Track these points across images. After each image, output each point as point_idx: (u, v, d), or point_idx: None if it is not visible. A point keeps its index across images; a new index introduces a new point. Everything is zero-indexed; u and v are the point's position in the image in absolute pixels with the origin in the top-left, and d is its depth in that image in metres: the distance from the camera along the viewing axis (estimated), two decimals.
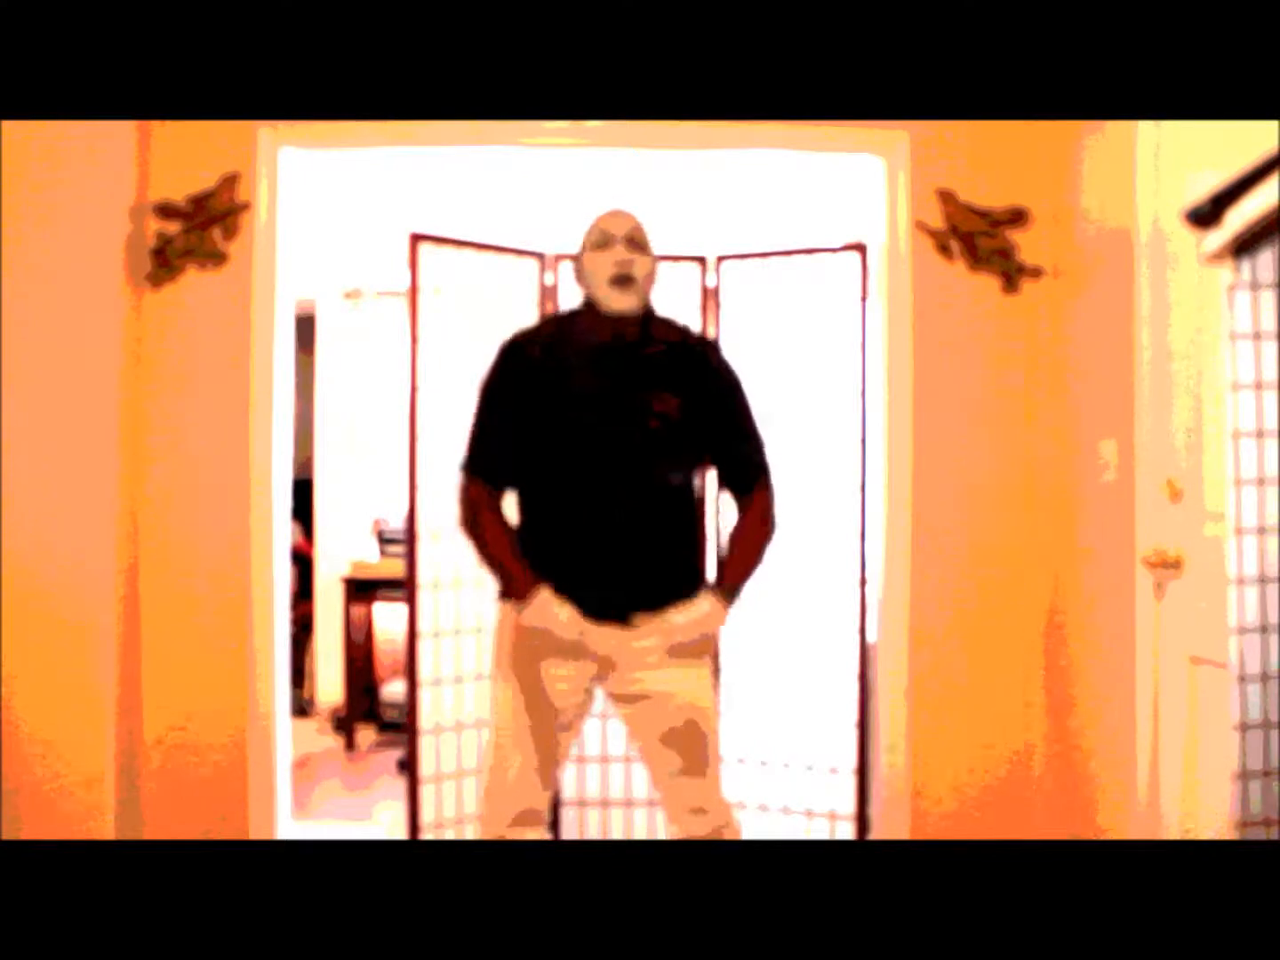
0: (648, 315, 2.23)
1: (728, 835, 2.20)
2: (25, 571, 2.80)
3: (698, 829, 2.18)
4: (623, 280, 2.14)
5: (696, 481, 2.34)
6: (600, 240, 2.17)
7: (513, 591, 2.17)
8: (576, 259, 2.24)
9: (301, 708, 5.34)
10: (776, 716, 3.14)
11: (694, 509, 2.32)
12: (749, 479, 2.28)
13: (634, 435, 2.15)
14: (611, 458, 2.15)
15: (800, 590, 3.13)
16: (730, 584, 2.22)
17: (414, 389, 3.05)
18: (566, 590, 2.14)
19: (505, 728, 2.19)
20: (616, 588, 2.16)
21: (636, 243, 2.17)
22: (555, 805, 3.11)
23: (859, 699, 3.07)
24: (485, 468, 2.23)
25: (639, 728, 2.22)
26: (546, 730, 2.17)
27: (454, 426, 3.10)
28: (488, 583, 3.17)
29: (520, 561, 2.17)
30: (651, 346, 2.21)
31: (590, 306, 2.21)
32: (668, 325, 2.28)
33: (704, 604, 2.17)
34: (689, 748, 2.17)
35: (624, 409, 2.15)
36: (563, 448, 2.16)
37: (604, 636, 2.15)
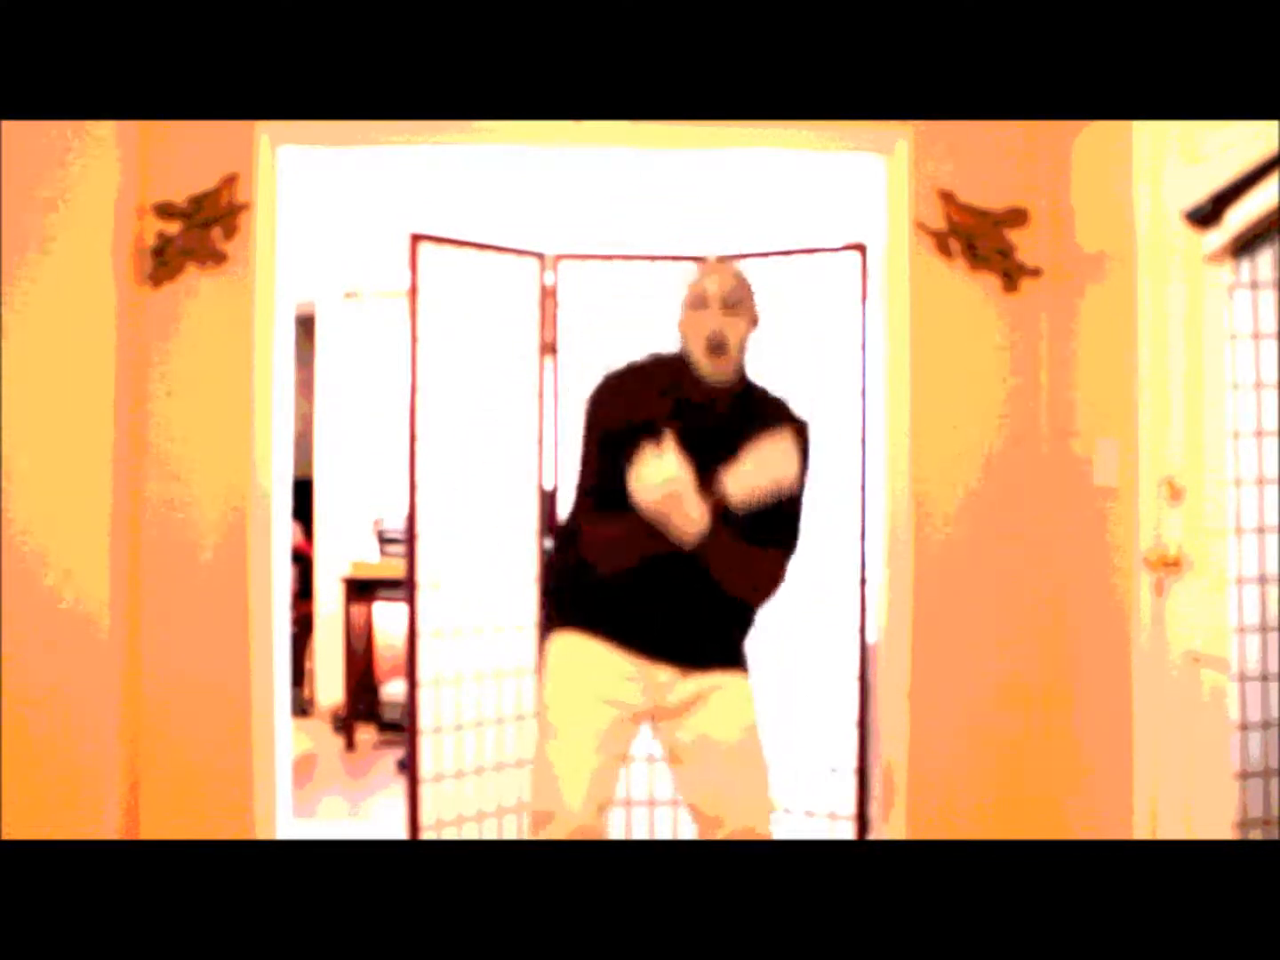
0: (746, 388, 2.21)
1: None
2: (25, 572, 2.80)
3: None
4: (716, 348, 2.13)
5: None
6: (696, 301, 2.17)
7: (640, 530, 2.06)
8: (680, 313, 2.22)
9: (301, 708, 5.35)
10: (776, 716, 3.14)
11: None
12: (785, 544, 2.23)
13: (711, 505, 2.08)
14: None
15: (800, 590, 3.13)
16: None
17: (414, 389, 3.05)
18: (622, 631, 2.19)
19: None
20: (675, 633, 2.20)
21: (732, 304, 2.15)
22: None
23: (859, 699, 3.07)
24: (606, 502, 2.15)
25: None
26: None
27: (454, 427, 3.12)
28: (487, 582, 3.18)
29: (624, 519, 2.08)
30: (740, 421, 2.17)
31: (688, 359, 2.19)
32: (764, 399, 2.26)
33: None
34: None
35: (704, 476, 2.08)
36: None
37: (655, 681, 2.20)
